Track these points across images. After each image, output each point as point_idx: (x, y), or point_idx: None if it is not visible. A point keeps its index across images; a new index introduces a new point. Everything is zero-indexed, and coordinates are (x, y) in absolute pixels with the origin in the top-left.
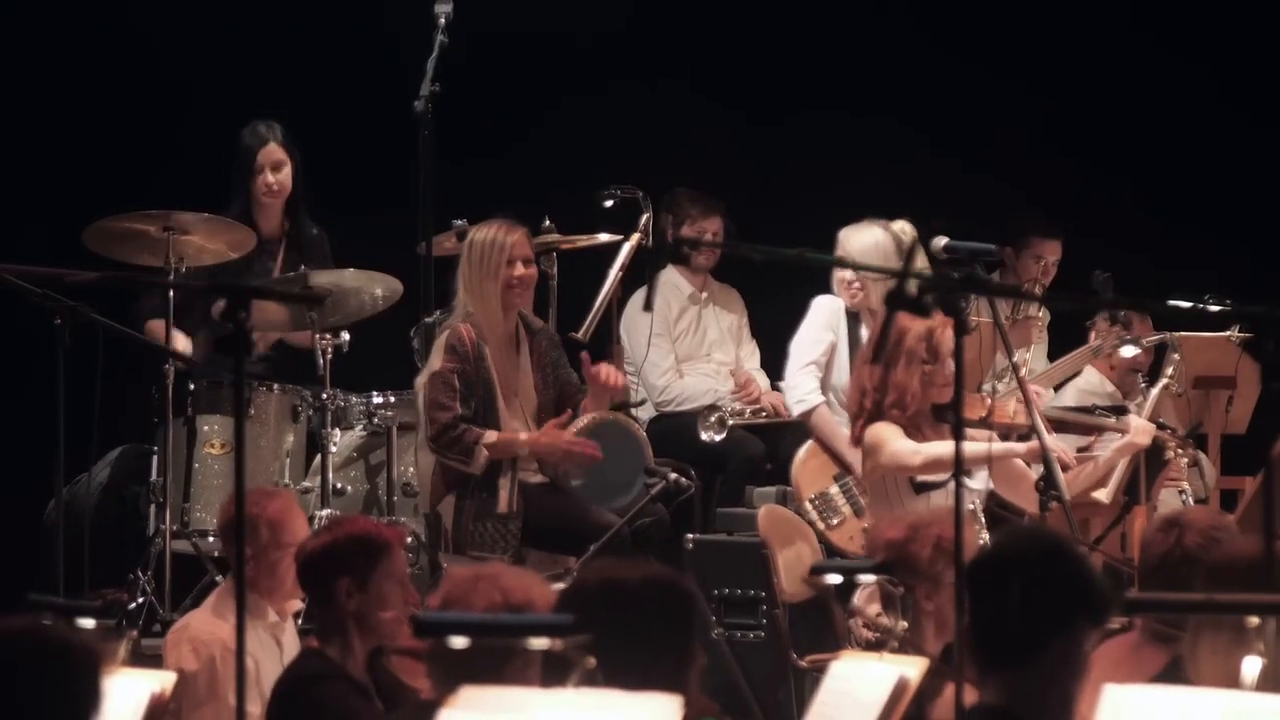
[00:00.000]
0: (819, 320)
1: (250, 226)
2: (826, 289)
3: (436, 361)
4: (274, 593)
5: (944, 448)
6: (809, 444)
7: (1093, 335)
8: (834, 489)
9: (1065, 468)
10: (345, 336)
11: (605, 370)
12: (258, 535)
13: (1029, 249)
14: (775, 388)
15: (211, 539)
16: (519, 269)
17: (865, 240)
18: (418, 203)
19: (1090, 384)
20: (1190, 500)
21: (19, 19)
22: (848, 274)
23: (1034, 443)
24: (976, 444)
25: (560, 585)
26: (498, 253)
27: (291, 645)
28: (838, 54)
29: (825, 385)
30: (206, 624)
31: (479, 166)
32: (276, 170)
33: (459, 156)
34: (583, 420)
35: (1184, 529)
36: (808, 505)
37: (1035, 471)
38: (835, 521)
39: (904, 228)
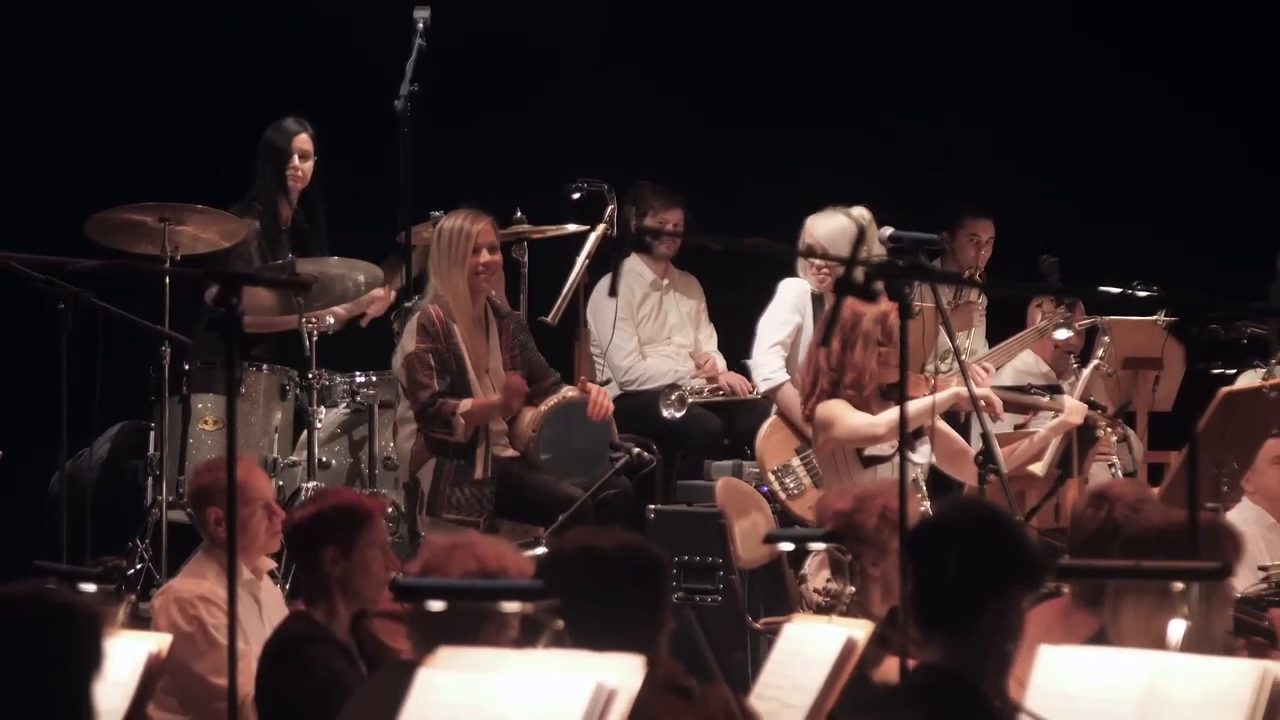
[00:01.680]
0: (786, 303)
1: (274, 213)
2: (784, 275)
3: (410, 343)
4: (247, 550)
5: (897, 414)
6: (773, 419)
7: (1039, 317)
8: (795, 461)
9: (995, 417)
10: (331, 320)
11: (596, 396)
12: (226, 499)
13: (964, 230)
14: (733, 368)
15: None
16: (484, 256)
17: (830, 226)
18: (398, 196)
19: (1026, 365)
20: (1119, 474)
21: (21, 18)
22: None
23: (962, 390)
24: (921, 400)
25: (531, 553)
26: (464, 240)
27: (270, 601)
28: (793, 56)
29: (791, 365)
30: (188, 585)
31: (457, 161)
32: (305, 159)
33: (439, 151)
34: (553, 399)
35: (1112, 501)
36: (770, 477)
37: (975, 447)
38: (796, 492)
39: (863, 214)
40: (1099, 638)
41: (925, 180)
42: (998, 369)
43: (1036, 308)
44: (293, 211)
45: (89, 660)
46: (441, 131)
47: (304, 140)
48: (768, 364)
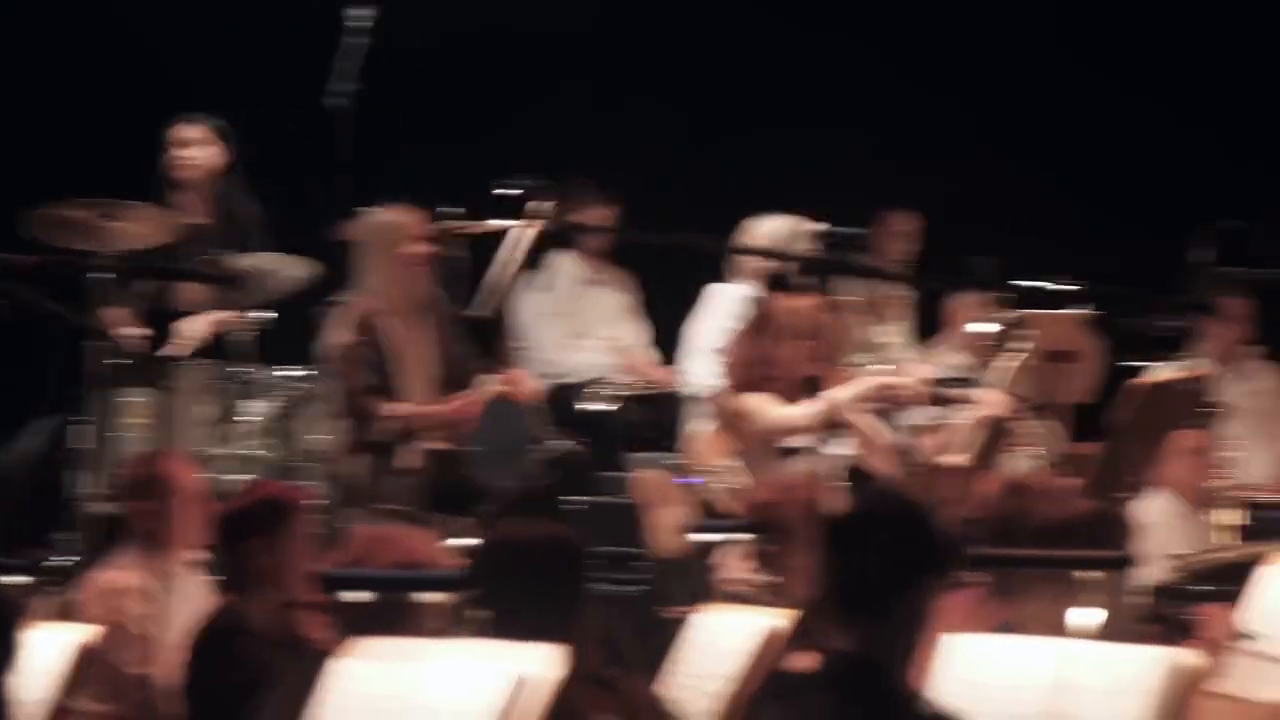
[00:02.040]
0: (722, 309)
1: (167, 207)
2: (717, 273)
3: (338, 336)
4: (173, 542)
5: (822, 404)
6: (707, 418)
7: (962, 311)
8: (729, 460)
9: (915, 408)
10: (264, 315)
11: (521, 380)
12: (152, 491)
13: (889, 224)
14: (666, 363)
15: None
16: (414, 248)
17: (770, 227)
18: (334, 192)
19: (948, 357)
20: (1039, 465)
21: None
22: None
23: (884, 381)
24: (842, 391)
25: (457, 543)
26: (394, 233)
27: (195, 593)
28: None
29: None
30: (113, 577)
31: (399, 157)
32: (183, 147)
33: (380, 148)
34: (480, 392)
35: (1025, 491)
36: (707, 472)
37: (896, 439)
38: (730, 486)
39: (798, 218)
40: (1008, 625)
41: (854, 175)
42: (920, 362)
43: (959, 302)
44: (206, 205)
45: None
46: (385, 127)
47: (182, 130)
48: (704, 369)
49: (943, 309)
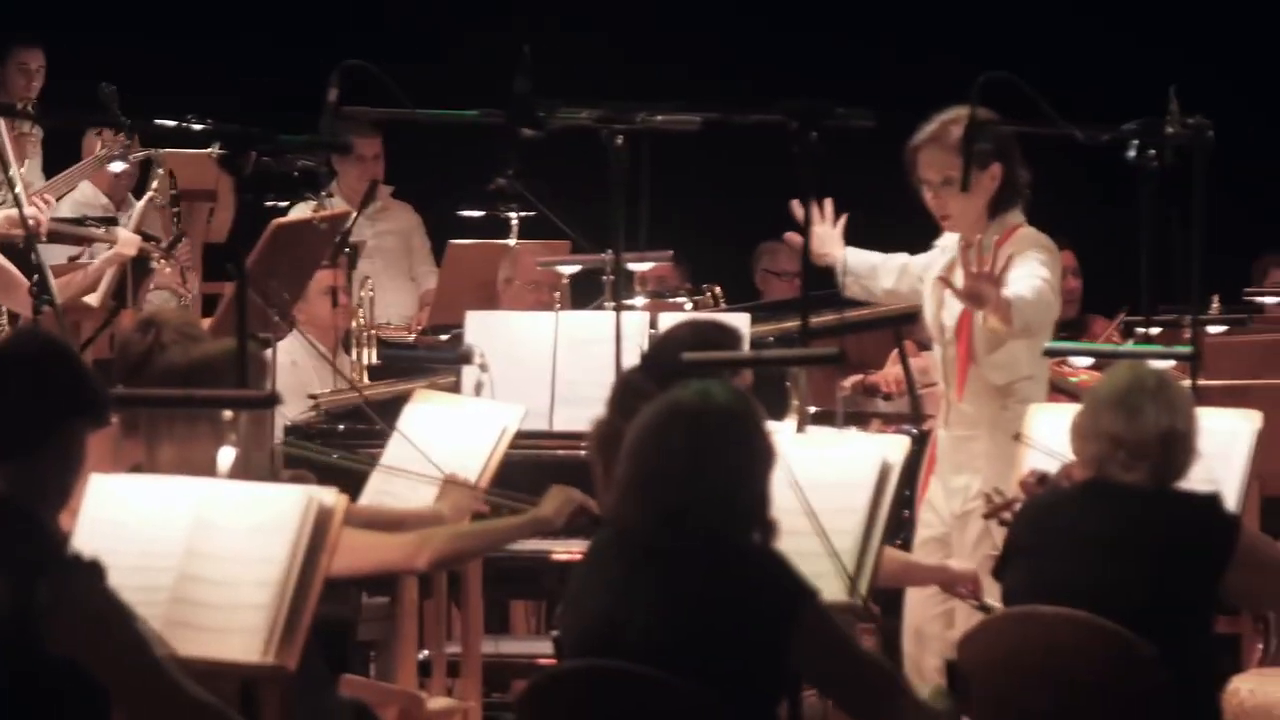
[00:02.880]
0: None
1: None
2: None
3: None
4: None
5: None
6: None
7: (98, 146)
8: None
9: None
10: None
11: None
12: None
13: (13, 60)
14: None
15: None
16: None
17: None
18: None
19: (85, 196)
20: (176, 305)
21: None
22: None
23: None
24: None
25: None
26: None
27: None
28: None
29: None
30: None
31: None
32: None
33: None
34: None
35: (160, 328)
36: None
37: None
38: None
39: None
40: (141, 467)
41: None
42: (57, 199)
43: (96, 137)
44: None
45: None
46: None
47: None
48: None
49: (78, 145)
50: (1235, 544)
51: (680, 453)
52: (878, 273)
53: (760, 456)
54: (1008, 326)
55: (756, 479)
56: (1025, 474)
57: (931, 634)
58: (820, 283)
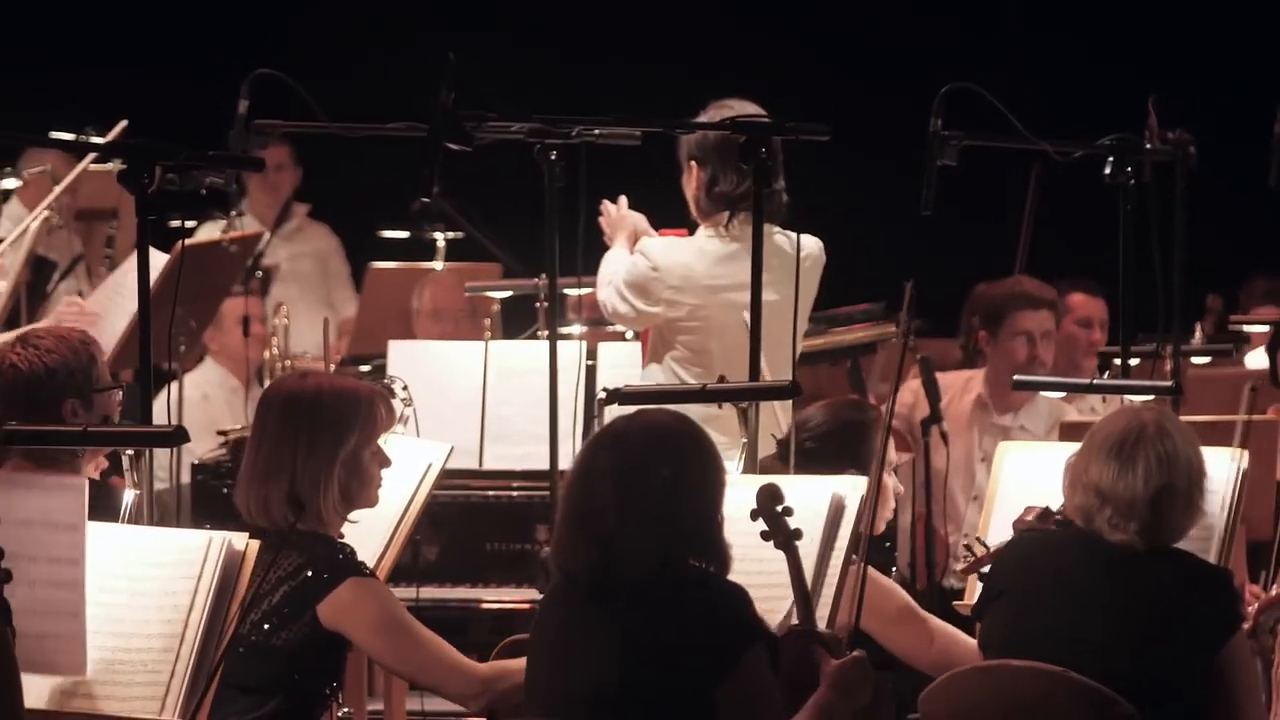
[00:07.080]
0: None
1: None
2: None
3: None
4: None
5: None
6: None
7: None
8: None
9: None
10: None
11: None
12: None
13: None
14: None
15: None
16: None
17: None
18: None
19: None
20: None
21: None
22: None
23: None
24: None
25: None
26: None
27: None
28: None
29: None
30: None
31: None
32: None
33: None
34: None
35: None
36: None
37: None
38: None
39: None
40: None
41: None
42: None
43: None
44: None
45: None
46: None
47: None
48: None
49: None
50: (1229, 640)
51: (605, 473)
52: None
53: (699, 477)
54: None
55: (696, 500)
56: (1022, 513)
57: None
58: None
